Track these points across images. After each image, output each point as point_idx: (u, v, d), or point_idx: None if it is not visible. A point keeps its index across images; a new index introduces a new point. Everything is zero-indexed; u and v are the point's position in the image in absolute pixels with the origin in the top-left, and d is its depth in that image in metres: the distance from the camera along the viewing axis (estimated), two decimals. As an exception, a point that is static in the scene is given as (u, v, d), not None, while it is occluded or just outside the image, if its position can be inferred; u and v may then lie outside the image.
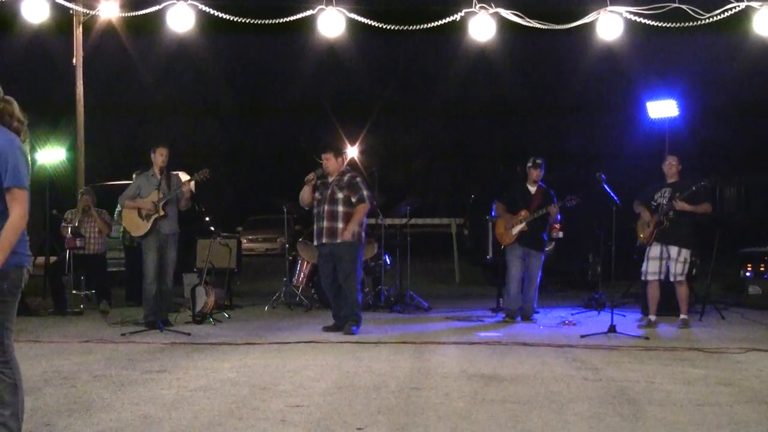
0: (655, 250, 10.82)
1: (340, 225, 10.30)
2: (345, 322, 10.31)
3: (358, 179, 10.55)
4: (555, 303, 13.34)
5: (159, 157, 10.88)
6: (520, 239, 11.45)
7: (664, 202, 10.74)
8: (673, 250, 10.71)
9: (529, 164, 11.61)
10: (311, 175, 10.54)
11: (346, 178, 10.50)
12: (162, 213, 10.67)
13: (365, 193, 10.48)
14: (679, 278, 10.73)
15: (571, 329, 10.72)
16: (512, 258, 11.53)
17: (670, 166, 10.92)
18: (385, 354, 8.80)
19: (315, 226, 10.52)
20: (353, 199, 10.40)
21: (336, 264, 10.38)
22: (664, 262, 10.76)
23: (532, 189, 11.59)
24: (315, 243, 10.58)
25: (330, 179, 10.49)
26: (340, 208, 10.35)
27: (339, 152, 10.72)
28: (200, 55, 23.67)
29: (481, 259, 14.96)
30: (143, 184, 11.00)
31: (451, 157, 35.82)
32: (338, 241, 10.30)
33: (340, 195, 10.37)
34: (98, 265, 12.80)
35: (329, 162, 10.51)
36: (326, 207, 10.36)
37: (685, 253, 10.73)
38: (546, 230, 11.71)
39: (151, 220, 10.73)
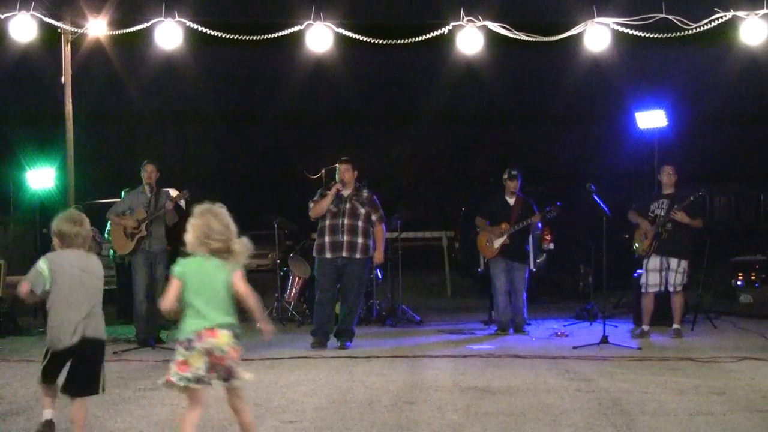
0: (654, 261, 10.82)
1: (360, 240, 10.25)
2: (340, 337, 10.28)
3: (376, 197, 10.53)
4: (547, 314, 13.32)
5: (146, 174, 10.86)
6: (503, 252, 11.41)
7: (662, 213, 10.75)
8: (673, 261, 10.71)
9: (505, 176, 11.54)
10: (339, 185, 10.36)
11: (365, 194, 10.45)
12: (144, 233, 10.65)
13: (382, 212, 10.51)
14: (677, 288, 10.75)
15: (564, 340, 10.72)
16: (496, 271, 11.48)
17: (669, 175, 10.93)
18: (378, 368, 8.79)
19: (328, 238, 10.27)
20: (373, 217, 10.38)
21: (346, 278, 10.32)
22: (663, 273, 10.78)
23: (511, 200, 11.53)
24: (328, 255, 10.27)
25: (345, 192, 10.42)
26: (360, 224, 10.29)
27: (356, 164, 10.58)
28: (189, 71, 23.66)
29: (473, 271, 14.95)
30: (133, 200, 10.97)
31: (442, 170, 35.83)
32: (357, 256, 10.26)
33: (362, 210, 10.32)
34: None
35: (348, 173, 10.43)
36: (346, 221, 10.25)
37: (684, 263, 10.75)
38: (528, 241, 11.68)
39: (135, 239, 10.71)
